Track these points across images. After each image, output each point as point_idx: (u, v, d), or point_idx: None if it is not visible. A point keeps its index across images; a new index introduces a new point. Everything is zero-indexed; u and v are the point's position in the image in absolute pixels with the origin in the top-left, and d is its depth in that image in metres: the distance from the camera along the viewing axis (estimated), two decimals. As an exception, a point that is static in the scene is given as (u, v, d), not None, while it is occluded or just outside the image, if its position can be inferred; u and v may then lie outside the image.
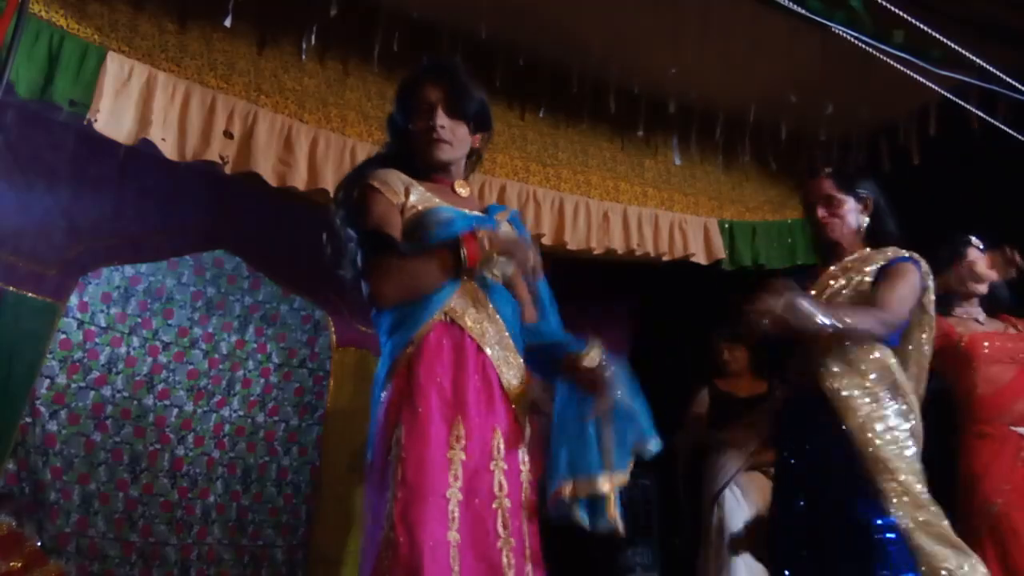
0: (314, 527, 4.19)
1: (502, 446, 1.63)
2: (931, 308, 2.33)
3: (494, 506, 1.58)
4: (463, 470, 1.55)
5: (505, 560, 1.55)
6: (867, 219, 2.40)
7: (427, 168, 1.84)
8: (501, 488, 1.60)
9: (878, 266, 2.31)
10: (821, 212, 2.39)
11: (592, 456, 1.70)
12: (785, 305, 1.97)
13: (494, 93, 3.50)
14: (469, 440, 1.58)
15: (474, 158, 1.95)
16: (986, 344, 2.90)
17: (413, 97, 1.83)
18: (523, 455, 1.69)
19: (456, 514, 1.51)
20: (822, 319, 2.02)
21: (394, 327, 1.68)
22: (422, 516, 1.47)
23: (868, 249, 2.39)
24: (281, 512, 4.48)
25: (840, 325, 2.06)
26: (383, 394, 1.65)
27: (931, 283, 2.32)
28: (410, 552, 1.44)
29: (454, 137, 1.82)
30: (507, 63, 3.72)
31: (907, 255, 2.32)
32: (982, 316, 2.99)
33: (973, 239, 3.02)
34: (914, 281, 2.26)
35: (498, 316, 1.72)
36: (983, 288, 2.99)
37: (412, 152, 1.85)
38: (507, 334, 1.73)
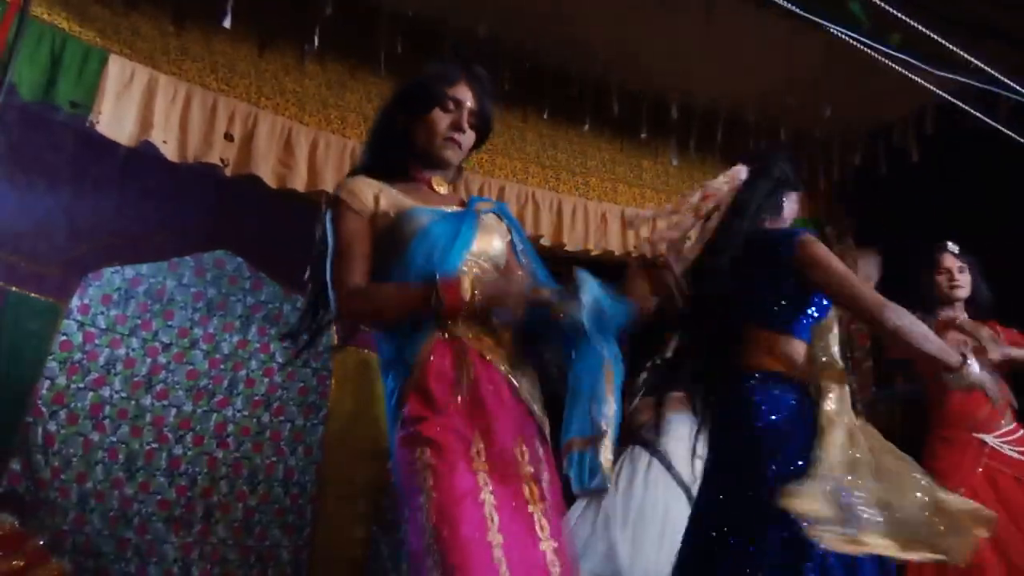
0: (318, 527, 4.21)
1: (525, 450, 1.61)
2: None
3: (529, 510, 1.57)
4: (492, 483, 1.53)
5: (550, 559, 1.53)
6: None
7: (418, 161, 1.79)
8: (532, 494, 1.58)
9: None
10: None
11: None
12: None
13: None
14: (489, 454, 1.56)
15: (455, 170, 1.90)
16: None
17: (443, 89, 1.76)
18: (540, 451, 1.66)
19: (495, 516, 1.50)
20: None
21: (394, 356, 1.66)
22: (456, 523, 1.46)
23: None
24: (287, 512, 4.47)
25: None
26: (395, 427, 1.62)
27: None
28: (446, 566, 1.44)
29: (464, 144, 1.79)
30: (509, 65, 3.73)
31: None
32: (967, 322, 2.98)
33: (949, 244, 3.04)
34: None
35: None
36: (962, 292, 3.00)
37: (409, 143, 1.78)
38: (506, 331, 1.70)
